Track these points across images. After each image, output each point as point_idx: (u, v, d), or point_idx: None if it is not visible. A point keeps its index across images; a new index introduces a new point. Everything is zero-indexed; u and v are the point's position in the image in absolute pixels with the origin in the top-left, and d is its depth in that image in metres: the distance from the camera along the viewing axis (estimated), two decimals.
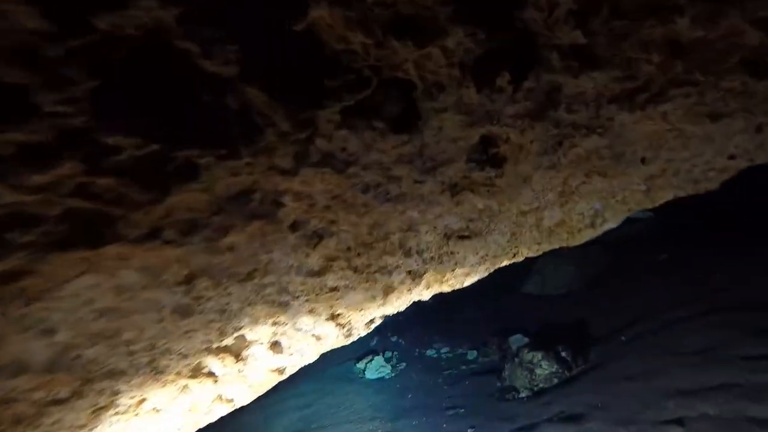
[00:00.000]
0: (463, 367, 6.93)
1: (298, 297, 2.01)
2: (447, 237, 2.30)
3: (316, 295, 2.05)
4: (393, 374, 7.28)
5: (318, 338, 2.42)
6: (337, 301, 2.18)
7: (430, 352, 7.82)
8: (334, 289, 2.08)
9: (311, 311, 2.14)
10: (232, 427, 6.56)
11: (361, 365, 7.65)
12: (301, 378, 8.19)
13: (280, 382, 7.50)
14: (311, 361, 2.65)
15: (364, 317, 2.57)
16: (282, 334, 2.19)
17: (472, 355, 7.27)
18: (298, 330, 2.22)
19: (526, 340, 7.01)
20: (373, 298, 2.38)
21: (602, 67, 1.62)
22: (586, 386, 4.72)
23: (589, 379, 4.85)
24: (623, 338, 5.67)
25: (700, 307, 5.73)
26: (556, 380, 5.27)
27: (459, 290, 9.62)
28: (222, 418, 2.52)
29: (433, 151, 1.76)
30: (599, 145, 2.02)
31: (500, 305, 8.97)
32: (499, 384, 5.81)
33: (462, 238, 2.32)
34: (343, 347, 8.69)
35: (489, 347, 7.18)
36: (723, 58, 1.63)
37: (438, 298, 9.63)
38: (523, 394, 5.21)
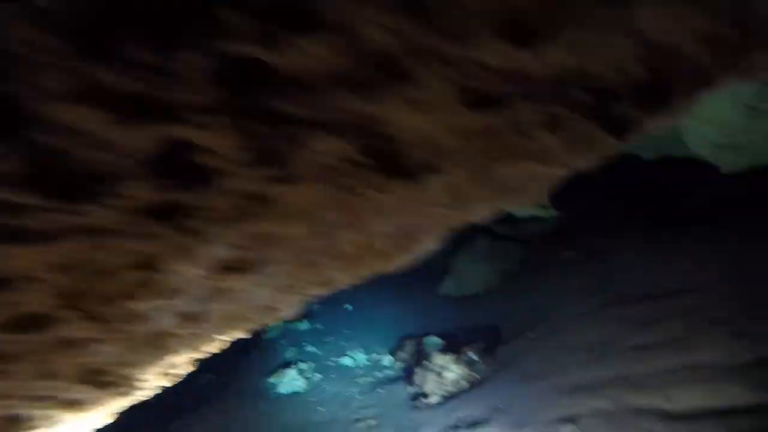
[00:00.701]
0: (378, 374, 6.77)
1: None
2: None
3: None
4: (307, 387, 6.99)
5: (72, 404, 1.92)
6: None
7: (345, 361, 7.60)
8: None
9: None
10: None
11: (273, 380, 7.29)
12: (213, 396, 7.71)
13: (182, 405, 6.94)
14: None
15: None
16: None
17: (387, 360, 7.13)
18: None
19: (441, 342, 6.98)
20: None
21: None
22: (491, 389, 4.69)
23: (495, 381, 4.83)
24: (531, 336, 5.75)
25: (599, 300, 5.93)
26: (464, 383, 5.22)
27: (376, 294, 9.46)
28: None
29: None
30: None
31: (417, 308, 8.93)
32: (411, 390, 5.69)
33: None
34: (255, 359, 8.25)
35: (404, 351, 7.08)
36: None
37: (355, 303, 9.43)
38: (432, 400, 5.12)
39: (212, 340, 2.42)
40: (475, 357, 5.59)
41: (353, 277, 2.27)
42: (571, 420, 3.53)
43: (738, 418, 2.99)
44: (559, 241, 9.00)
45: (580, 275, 7.12)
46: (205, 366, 9.04)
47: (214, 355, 9.43)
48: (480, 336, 6.84)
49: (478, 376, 5.31)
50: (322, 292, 2.36)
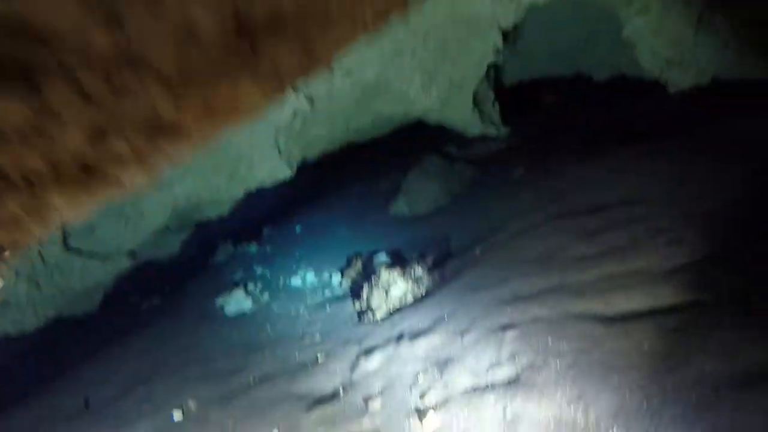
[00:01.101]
0: (327, 292, 6.70)
1: None
2: None
3: None
4: (255, 308, 6.86)
5: None
6: None
7: (294, 281, 7.48)
8: None
9: None
10: (61, 383, 5.81)
11: (220, 300, 7.12)
12: (156, 320, 7.50)
13: (127, 330, 6.64)
14: None
15: None
16: None
17: (336, 280, 7.06)
18: None
19: (388, 259, 6.93)
20: None
21: None
22: (436, 302, 4.66)
23: (440, 295, 4.80)
24: (477, 251, 5.73)
25: (546, 215, 5.93)
26: (410, 298, 5.19)
27: (327, 217, 9.25)
28: None
29: None
30: None
31: (369, 229, 8.82)
32: (358, 307, 5.65)
33: None
34: (203, 283, 8.01)
35: (353, 270, 7.00)
36: None
37: (306, 224, 9.21)
38: (378, 316, 5.07)
39: None
40: (421, 272, 5.54)
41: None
42: (512, 326, 3.52)
43: (667, 317, 3.03)
44: (509, 160, 8.93)
45: (529, 192, 7.09)
46: (150, 290, 8.72)
47: (160, 279, 9.02)
48: (428, 253, 6.81)
49: (423, 291, 5.28)
50: None
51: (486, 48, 7.13)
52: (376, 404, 3.49)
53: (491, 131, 7.85)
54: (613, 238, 4.19)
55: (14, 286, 6.22)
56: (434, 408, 3.21)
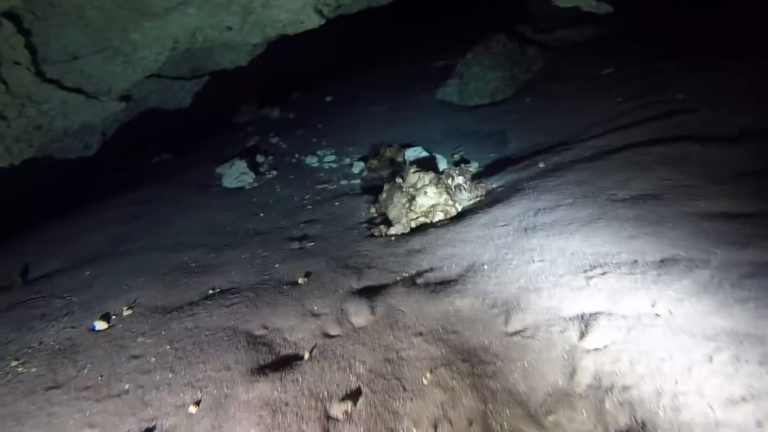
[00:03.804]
0: (343, 182, 5.27)
1: None
2: None
3: None
4: (255, 184, 5.54)
5: None
6: None
7: (310, 160, 6.05)
8: None
9: None
10: (41, 237, 4.80)
11: (220, 170, 5.82)
12: (151, 182, 6.35)
13: (117, 189, 5.36)
14: None
15: None
16: None
17: (357, 167, 5.58)
18: None
19: (425, 154, 5.35)
20: None
21: None
22: (474, 232, 3.16)
23: (481, 222, 3.29)
24: (540, 164, 4.08)
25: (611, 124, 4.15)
26: (440, 214, 3.69)
27: (365, 90, 7.46)
28: None
29: None
30: None
31: (410, 113, 7.08)
32: (372, 211, 4.22)
33: None
34: (217, 143, 6.65)
35: (378, 160, 5.48)
36: None
37: (338, 95, 7.49)
38: (393, 232, 3.64)
39: None
40: (460, 181, 3.97)
41: None
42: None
43: None
44: (600, 51, 6.76)
45: (619, 97, 5.15)
46: (166, 145, 7.40)
47: (172, 132, 7.42)
48: (473, 156, 5.18)
49: (459, 208, 3.77)
50: None
51: None
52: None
53: (589, 4, 5.63)
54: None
55: None
56: None
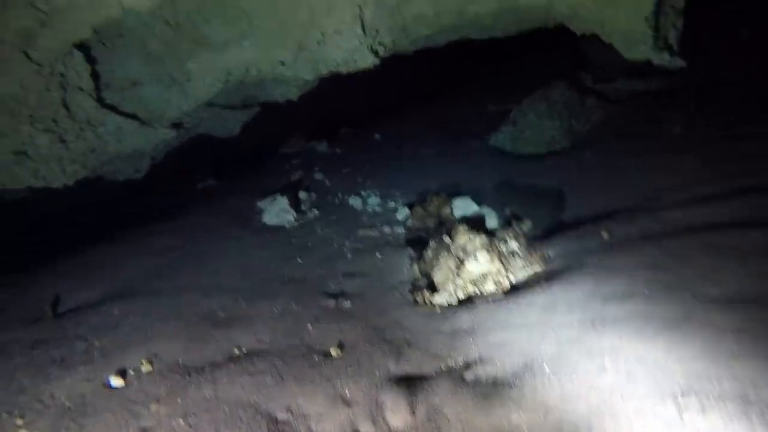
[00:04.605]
0: (386, 228, 4.97)
1: None
2: None
3: None
4: (296, 223, 5.32)
5: None
6: None
7: (353, 201, 5.81)
8: None
9: None
10: (79, 259, 4.70)
11: (261, 204, 5.65)
12: (193, 209, 6.27)
13: (160, 214, 5.21)
14: None
15: None
16: None
17: (402, 213, 5.29)
18: None
19: (475, 206, 5.00)
20: None
21: None
22: (530, 317, 2.76)
23: (539, 292, 2.89)
24: (603, 234, 3.65)
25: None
26: (491, 286, 3.31)
27: (414, 129, 7.19)
28: None
29: None
30: None
31: (458, 157, 6.78)
32: (415, 271, 3.88)
33: None
34: (263, 173, 6.50)
35: (425, 210, 5.17)
36: None
37: (387, 134, 7.26)
38: (438, 300, 3.28)
39: None
40: (517, 249, 3.59)
41: None
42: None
43: None
44: (669, 106, 6.28)
45: (691, 159, 4.66)
46: (213, 171, 7.35)
47: (222, 162, 7.32)
48: (526, 214, 4.78)
49: (511, 281, 3.37)
50: None
51: None
52: None
53: (661, 58, 5.21)
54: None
55: (30, 136, 4.98)
56: None
